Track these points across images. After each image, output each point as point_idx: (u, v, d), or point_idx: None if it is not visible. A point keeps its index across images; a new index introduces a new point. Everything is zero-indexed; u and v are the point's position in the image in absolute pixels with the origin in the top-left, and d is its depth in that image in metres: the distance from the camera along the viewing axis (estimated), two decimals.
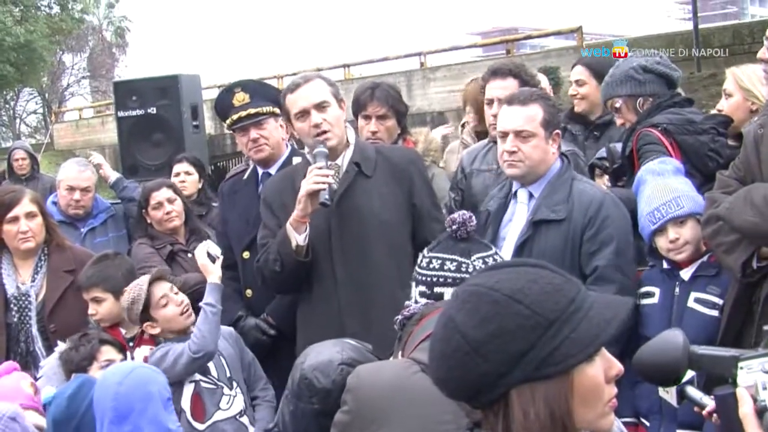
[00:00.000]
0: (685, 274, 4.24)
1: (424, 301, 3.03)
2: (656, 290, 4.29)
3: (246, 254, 5.22)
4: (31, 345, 5.15)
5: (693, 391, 2.73)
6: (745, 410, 2.09)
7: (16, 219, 5.19)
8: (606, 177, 5.35)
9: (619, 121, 5.40)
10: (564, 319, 1.78)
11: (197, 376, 4.65)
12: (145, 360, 4.54)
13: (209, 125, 17.04)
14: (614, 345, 1.90)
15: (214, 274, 4.76)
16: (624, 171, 5.09)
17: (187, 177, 7.39)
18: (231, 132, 5.86)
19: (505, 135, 4.41)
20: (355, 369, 2.87)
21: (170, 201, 6.13)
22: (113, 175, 7.82)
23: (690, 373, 2.56)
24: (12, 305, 5.19)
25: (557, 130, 4.49)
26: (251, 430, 4.74)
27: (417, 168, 4.82)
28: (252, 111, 5.23)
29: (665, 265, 4.33)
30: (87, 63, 51.55)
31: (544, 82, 6.22)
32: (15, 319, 5.18)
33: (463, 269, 3.01)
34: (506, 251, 4.33)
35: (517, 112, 4.39)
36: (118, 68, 51.72)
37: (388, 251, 4.56)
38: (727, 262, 3.90)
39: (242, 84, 5.36)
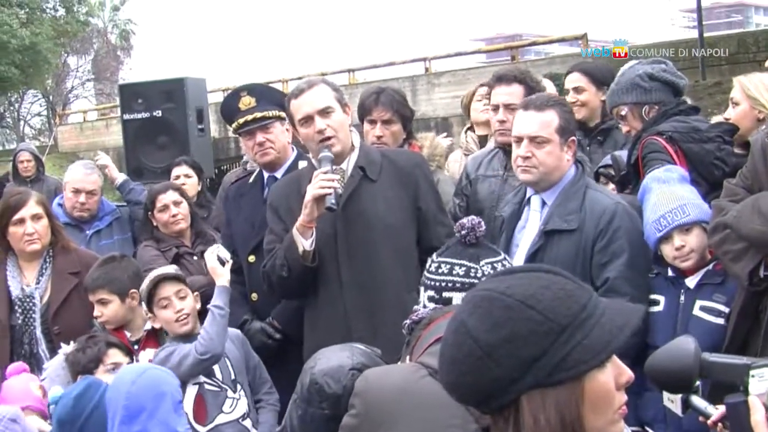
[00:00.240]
0: (691, 282, 4.23)
1: (432, 305, 3.03)
2: (661, 298, 4.27)
3: (251, 258, 5.22)
4: (34, 347, 5.16)
5: (698, 401, 2.72)
6: (758, 418, 2.09)
7: (22, 221, 5.20)
8: (611, 185, 5.34)
9: (624, 129, 5.38)
10: (576, 325, 1.78)
11: (201, 378, 4.65)
12: (150, 362, 4.55)
13: (214, 129, 17.01)
14: (626, 357, 1.89)
15: (223, 277, 4.77)
16: (629, 179, 5.07)
17: (186, 180, 7.42)
18: (236, 136, 5.87)
19: (519, 140, 4.40)
20: (363, 373, 2.86)
21: (176, 204, 6.13)
22: (119, 177, 7.83)
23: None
24: (16, 307, 5.21)
25: (573, 137, 4.46)
26: None
27: (422, 171, 4.81)
28: (258, 115, 5.23)
29: (670, 273, 4.30)
30: (91, 66, 51.62)
31: (550, 87, 6.22)
32: (19, 321, 5.19)
33: (472, 274, 3.00)
34: (518, 259, 4.32)
35: (533, 118, 4.37)
36: (123, 71, 51.85)
37: (394, 255, 4.56)
38: (734, 271, 3.89)
39: (248, 88, 5.36)
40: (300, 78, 18.33)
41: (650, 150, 4.83)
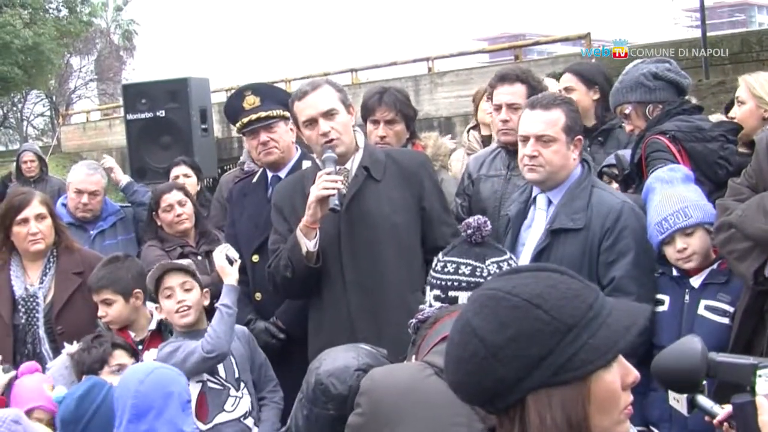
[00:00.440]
0: (695, 281, 4.22)
1: (438, 304, 3.03)
2: (666, 298, 4.27)
3: (255, 258, 5.23)
4: (37, 346, 5.15)
5: (704, 400, 2.72)
6: (765, 418, 2.09)
7: (26, 221, 5.20)
8: (615, 184, 5.33)
9: (628, 128, 5.38)
10: (583, 325, 1.77)
11: (205, 376, 4.65)
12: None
13: (217, 129, 17.03)
14: (631, 356, 1.88)
15: (231, 276, 4.77)
16: (633, 178, 5.07)
17: (185, 180, 7.44)
18: (239, 136, 5.87)
19: (526, 139, 4.40)
20: (369, 372, 2.86)
21: (181, 204, 6.15)
22: (124, 179, 7.84)
23: None
24: (20, 306, 5.20)
25: (579, 136, 4.46)
26: (255, 431, 4.74)
27: (427, 171, 4.81)
28: (262, 114, 5.23)
29: (675, 273, 4.30)
30: (94, 66, 51.63)
31: (552, 87, 6.20)
32: (22, 321, 5.19)
33: (478, 273, 3.01)
34: (524, 258, 4.32)
35: (539, 117, 4.37)
36: (126, 71, 51.85)
37: (398, 255, 4.56)
38: (739, 270, 3.88)
39: (253, 87, 5.37)
40: (303, 78, 18.36)
41: (653, 149, 4.82)
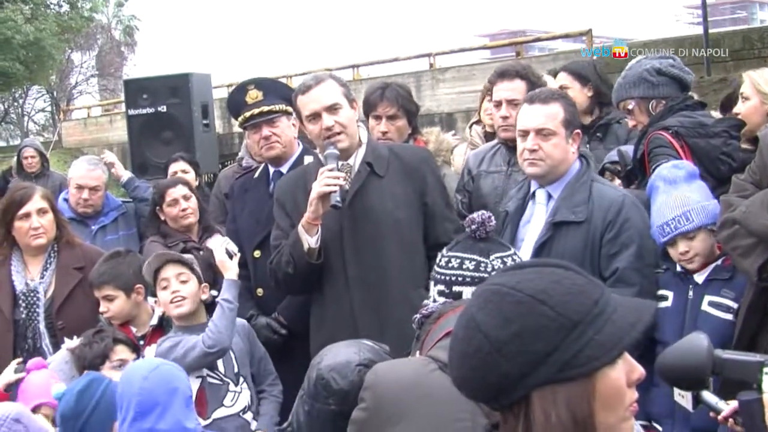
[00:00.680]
0: (699, 277, 4.22)
1: (442, 299, 3.02)
2: (670, 294, 4.26)
3: (257, 253, 5.22)
4: (38, 341, 5.14)
5: (709, 396, 2.71)
6: None
7: (27, 215, 5.19)
8: (617, 180, 5.32)
9: (631, 123, 5.38)
10: (588, 321, 1.75)
11: (204, 371, 4.64)
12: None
13: (218, 124, 17.03)
14: (632, 351, 1.87)
15: (231, 270, 4.74)
16: (636, 174, 5.06)
17: (183, 176, 7.41)
18: (241, 131, 5.86)
19: (525, 134, 4.39)
20: (373, 367, 2.85)
21: (186, 198, 6.16)
22: (125, 175, 7.82)
23: None
24: (20, 301, 5.19)
25: (577, 130, 4.46)
26: (255, 425, 4.74)
27: (429, 167, 4.80)
28: (265, 108, 5.22)
29: (679, 269, 4.30)
30: (96, 61, 51.60)
31: (550, 83, 6.20)
32: (23, 316, 5.18)
33: (482, 268, 3.00)
34: (525, 252, 4.31)
35: (538, 111, 4.37)
36: (127, 67, 51.80)
37: (401, 250, 4.55)
38: (743, 266, 3.88)
39: (256, 81, 5.35)
40: (305, 74, 18.33)
41: (656, 145, 4.82)
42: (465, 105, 17.29)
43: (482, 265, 3.01)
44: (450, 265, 3.05)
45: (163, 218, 6.21)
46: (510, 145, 5.20)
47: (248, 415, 4.73)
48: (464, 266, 3.02)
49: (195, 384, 4.57)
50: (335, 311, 4.55)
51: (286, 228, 4.67)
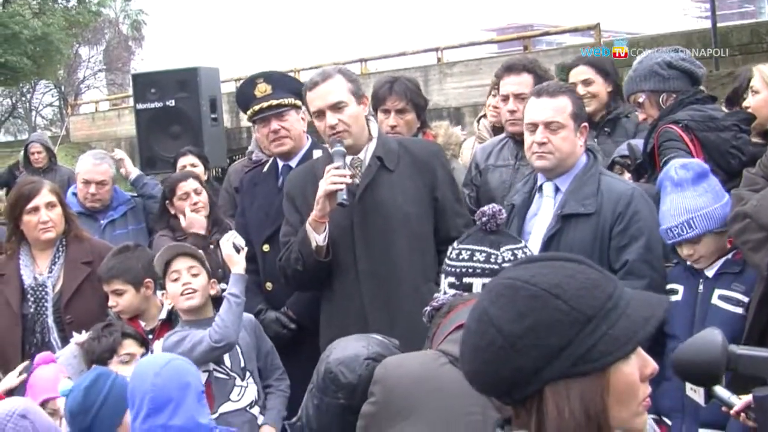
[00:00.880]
0: (709, 271, 4.19)
1: (452, 292, 3.02)
2: (680, 287, 4.25)
3: (266, 247, 5.20)
4: (46, 336, 5.15)
5: (721, 391, 2.71)
6: None
7: (36, 209, 5.18)
8: (627, 174, 5.31)
9: (641, 116, 5.36)
10: (602, 315, 1.75)
11: (211, 366, 4.64)
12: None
13: (226, 119, 17.04)
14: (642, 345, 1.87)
15: (238, 264, 4.73)
16: (646, 168, 5.05)
17: (192, 170, 7.40)
18: (248, 126, 5.86)
19: (534, 127, 4.37)
20: (383, 361, 2.85)
21: (197, 192, 6.17)
22: (134, 172, 7.79)
23: None
24: (29, 296, 5.20)
25: (585, 123, 4.46)
26: (261, 420, 4.74)
27: (440, 161, 4.79)
28: (274, 102, 5.21)
29: (689, 262, 4.28)
30: (103, 56, 51.67)
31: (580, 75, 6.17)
32: (31, 310, 5.18)
33: (492, 260, 3.00)
34: (533, 245, 4.28)
35: (547, 104, 4.36)
36: (134, 61, 51.88)
37: (411, 245, 4.54)
38: (754, 260, 3.86)
39: (265, 75, 5.34)
40: (313, 68, 18.32)
41: (666, 138, 4.81)
42: (472, 99, 17.30)
43: (492, 256, 3.01)
44: (460, 257, 3.05)
45: (173, 212, 6.21)
46: (518, 139, 5.19)
47: (255, 410, 4.73)
48: (474, 258, 3.02)
49: (201, 378, 4.57)
50: (345, 306, 4.55)
51: (296, 224, 4.66)
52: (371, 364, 2.93)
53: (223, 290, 4.74)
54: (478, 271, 3.00)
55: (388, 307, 4.45)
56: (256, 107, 5.24)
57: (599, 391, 1.75)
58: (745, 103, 5.21)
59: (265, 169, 5.50)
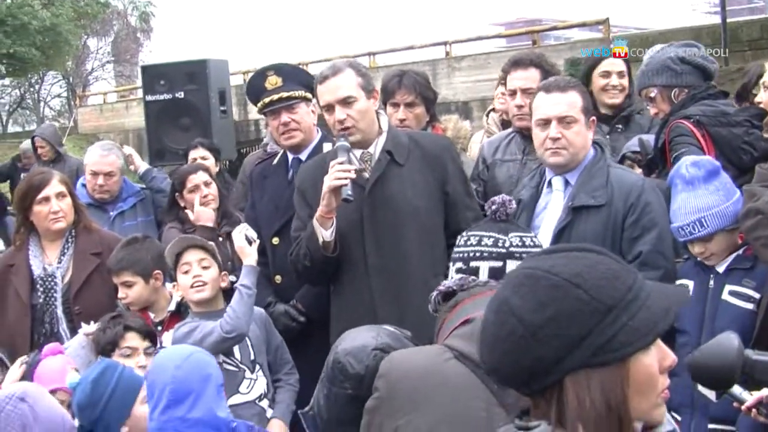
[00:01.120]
0: (720, 266, 4.19)
1: (459, 276, 3.00)
2: (690, 283, 4.23)
3: (275, 240, 5.20)
4: (55, 326, 5.16)
5: (734, 387, 2.70)
6: None
7: (47, 199, 5.19)
8: (638, 169, 5.29)
9: (652, 111, 5.35)
10: (622, 306, 1.75)
11: (221, 358, 4.61)
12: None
13: (234, 111, 17.04)
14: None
15: (250, 256, 4.74)
16: (657, 163, 5.03)
17: (203, 162, 7.41)
18: (256, 119, 5.87)
19: (546, 122, 4.36)
20: (389, 355, 2.85)
21: (207, 184, 6.18)
22: (142, 166, 7.78)
23: None
24: (38, 286, 5.21)
25: (593, 117, 4.47)
26: (270, 413, 4.74)
27: (450, 155, 4.78)
28: (284, 94, 5.19)
29: (699, 259, 4.27)
30: (111, 47, 51.60)
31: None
32: (40, 300, 5.20)
33: (500, 244, 3.00)
34: (543, 238, 4.28)
35: (559, 99, 4.35)
36: (143, 53, 51.80)
37: (421, 238, 4.53)
38: (766, 256, 3.86)
39: (275, 67, 5.32)
40: (321, 61, 18.30)
41: (677, 133, 4.80)
42: (481, 93, 17.24)
43: (500, 241, 3.01)
44: (469, 242, 3.06)
45: (182, 204, 6.21)
46: (525, 134, 5.20)
47: (264, 403, 4.73)
48: (482, 242, 3.02)
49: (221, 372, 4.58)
50: (355, 300, 4.54)
51: (306, 218, 4.65)
52: (379, 355, 2.93)
53: (233, 282, 4.74)
54: (486, 254, 3.00)
55: (398, 301, 4.43)
56: (267, 99, 5.22)
57: (619, 382, 1.75)
58: (756, 99, 5.20)
59: (275, 161, 5.48)
